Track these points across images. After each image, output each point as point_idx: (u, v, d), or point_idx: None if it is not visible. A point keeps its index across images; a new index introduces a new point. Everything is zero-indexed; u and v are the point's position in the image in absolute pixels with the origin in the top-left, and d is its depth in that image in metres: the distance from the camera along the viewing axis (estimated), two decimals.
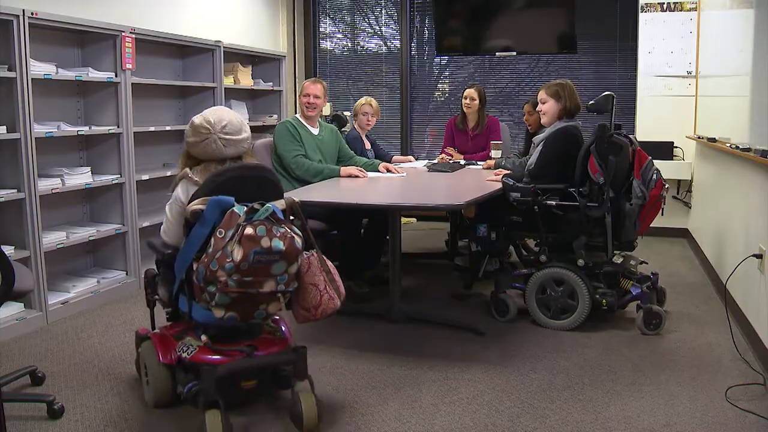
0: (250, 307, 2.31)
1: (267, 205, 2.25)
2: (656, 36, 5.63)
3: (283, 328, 2.63)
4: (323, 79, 5.62)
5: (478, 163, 4.65)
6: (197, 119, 2.44)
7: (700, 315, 3.67)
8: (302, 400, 2.38)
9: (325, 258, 2.48)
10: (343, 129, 4.74)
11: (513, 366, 2.99)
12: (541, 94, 3.67)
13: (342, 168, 4.04)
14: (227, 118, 2.43)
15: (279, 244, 2.22)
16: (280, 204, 2.34)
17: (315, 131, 4.17)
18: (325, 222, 3.93)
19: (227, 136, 2.41)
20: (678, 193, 5.68)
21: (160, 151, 4.74)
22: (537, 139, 3.76)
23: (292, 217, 2.41)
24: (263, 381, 2.56)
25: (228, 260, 2.17)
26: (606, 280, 3.45)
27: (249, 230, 2.18)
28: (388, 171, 4.22)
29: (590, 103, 3.56)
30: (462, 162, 4.67)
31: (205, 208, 2.25)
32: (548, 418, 2.50)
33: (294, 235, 2.28)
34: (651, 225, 3.49)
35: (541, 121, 3.75)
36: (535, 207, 3.45)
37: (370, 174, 4.17)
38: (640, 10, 5.67)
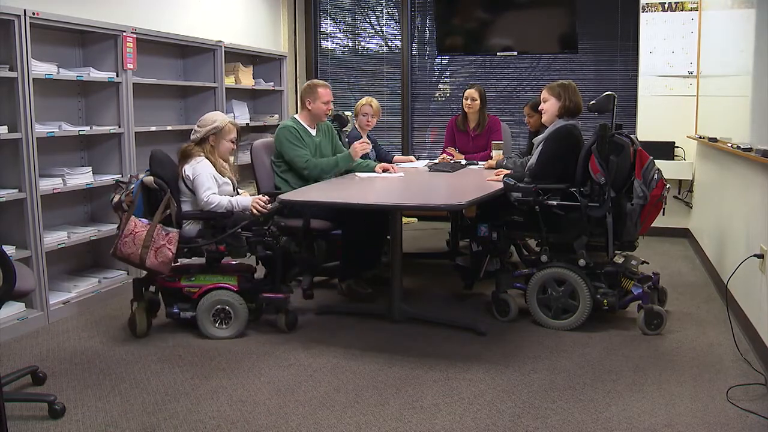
0: None
1: (132, 178, 3.43)
2: (657, 36, 5.63)
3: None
4: (324, 79, 5.63)
5: (479, 163, 4.64)
6: None
7: (701, 315, 3.67)
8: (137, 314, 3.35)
9: (146, 225, 3.24)
10: (344, 129, 4.74)
11: (514, 366, 2.99)
12: (544, 94, 3.69)
13: (352, 150, 4.11)
14: (204, 117, 3.55)
15: (113, 200, 3.35)
16: (148, 179, 3.34)
17: (313, 132, 4.17)
18: (325, 221, 3.92)
19: (197, 127, 3.53)
20: (679, 193, 5.68)
21: None
22: (537, 139, 3.77)
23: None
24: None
25: None
26: (607, 280, 3.45)
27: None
28: (385, 171, 4.21)
29: (591, 103, 3.56)
30: (463, 162, 4.67)
31: None
32: (549, 418, 2.51)
33: (118, 197, 3.31)
34: (652, 225, 3.49)
35: (542, 120, 3.76)
36: (536, 207, 3.45)
37: (368, 175, 4.16)
38: (641, 10, 5.66)
